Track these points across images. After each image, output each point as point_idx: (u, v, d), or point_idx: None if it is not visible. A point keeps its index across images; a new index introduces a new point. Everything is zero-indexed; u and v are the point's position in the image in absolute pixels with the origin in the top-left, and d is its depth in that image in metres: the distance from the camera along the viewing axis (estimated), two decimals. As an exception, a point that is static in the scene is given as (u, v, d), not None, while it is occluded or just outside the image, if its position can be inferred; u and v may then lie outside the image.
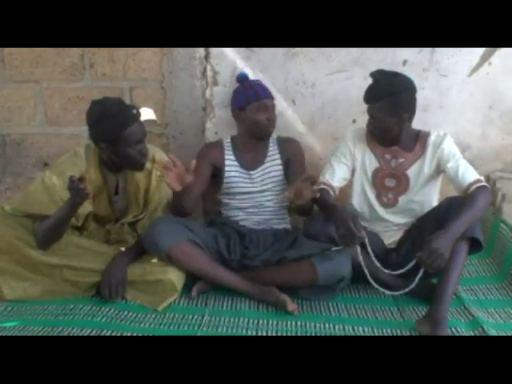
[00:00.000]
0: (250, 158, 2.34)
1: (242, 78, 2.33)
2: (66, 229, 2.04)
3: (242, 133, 2.34)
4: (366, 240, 1.92)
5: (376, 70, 2.07)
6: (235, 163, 2.33)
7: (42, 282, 2.03)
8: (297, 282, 2.01)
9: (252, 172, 2.32)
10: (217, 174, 2.34)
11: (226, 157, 2.33)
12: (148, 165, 2.13)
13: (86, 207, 2.07)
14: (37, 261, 2.02)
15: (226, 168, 2.32)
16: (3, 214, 2.12)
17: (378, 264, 1.96)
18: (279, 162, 2.34)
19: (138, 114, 2.04)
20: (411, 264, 1.89)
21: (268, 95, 2.26)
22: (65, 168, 2.05)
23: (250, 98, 2.22)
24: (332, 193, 2.11)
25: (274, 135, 2.38)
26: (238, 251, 2.15)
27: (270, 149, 2.36)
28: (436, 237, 1.76)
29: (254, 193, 2.32)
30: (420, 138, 2.11)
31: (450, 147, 2.05)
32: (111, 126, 1.95)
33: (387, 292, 1.97)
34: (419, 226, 2.12)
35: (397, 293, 1.95)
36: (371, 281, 1.96)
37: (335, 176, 2.14)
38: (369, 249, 1.95)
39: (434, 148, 2.07)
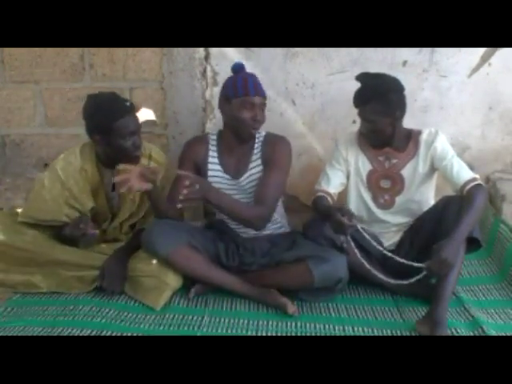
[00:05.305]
0: (234, 163, 2.13)
1: (238, 68, 2.08)
2: None
3: (225, 128, 2.13)
4: (359, 227, 1.94)
5: (361, 73, 2.08)
6: (218, 167, 2.13)
7: (51, 276, 2.08)
8: (294, 284, 2.01)
9: (238, 180, 2.12)
10: (200, 174, 2.13)
11: (210, 159, 2.14)
12: (145, 161, 2.17)
13: (88, 203, 2.13)
14: (41, 259, 2.06)
15: (210, 173, 2.13)
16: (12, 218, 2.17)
17: (377, 246, 2.01)
18: (260, 164, 2.11)
19: (132, 107, 2.07)
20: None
21: (259, 92, 2.01)
22: (61, 168, 2.13)
23: (237, 91, 2.00)
24: (330, 198, 2.11)
25: (263, 132, 2.16)
26: (237, 258, 2.15)
27: (255, 151, 2.13)
28: (444, 246, 1.76)
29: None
30: (412, 137, 2.10)
31: (442, 145, 2.03)
32: (103, 117, 1.99)
33: (390, 281, 1.95)
34: (417, 226, 2.12)
35: (399, 282, 1.93)
36: (374, 271, 1.95)
37: (331, 183, 2.14)
38: (365, 234, 1.97)
39: (427, 146, 2.06)
